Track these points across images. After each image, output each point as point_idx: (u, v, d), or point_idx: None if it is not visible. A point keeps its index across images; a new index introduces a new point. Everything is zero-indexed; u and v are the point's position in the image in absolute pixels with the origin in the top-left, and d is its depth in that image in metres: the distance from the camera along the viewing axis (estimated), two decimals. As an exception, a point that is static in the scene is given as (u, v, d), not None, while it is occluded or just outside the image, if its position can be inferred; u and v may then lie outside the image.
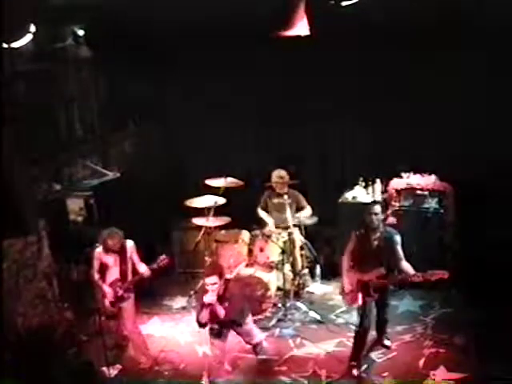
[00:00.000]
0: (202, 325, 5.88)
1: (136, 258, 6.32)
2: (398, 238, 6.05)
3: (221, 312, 5.78)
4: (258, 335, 6.35)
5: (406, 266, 5.97)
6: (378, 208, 6.05)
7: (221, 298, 5.79)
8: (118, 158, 8.49)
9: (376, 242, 6.02)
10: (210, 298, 5.72)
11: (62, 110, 7.75)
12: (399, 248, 6.02)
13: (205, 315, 5.79)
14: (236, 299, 5.90)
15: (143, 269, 6.26)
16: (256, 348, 6.37)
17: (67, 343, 6.73)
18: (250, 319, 6.21)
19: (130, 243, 6.32)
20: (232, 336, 6.17)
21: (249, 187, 7.79)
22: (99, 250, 6.26)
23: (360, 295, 6.01)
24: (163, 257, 6.25)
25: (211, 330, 5.96)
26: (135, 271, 6.31)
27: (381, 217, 6.07)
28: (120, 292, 6.22)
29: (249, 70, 8.08)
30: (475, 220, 7.50)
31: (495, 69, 7.38)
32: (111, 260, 6.25)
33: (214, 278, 5.73)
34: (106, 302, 6.27)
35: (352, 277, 6.08)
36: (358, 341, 6.18)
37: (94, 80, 8.13)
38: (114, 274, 6.28)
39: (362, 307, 6.06)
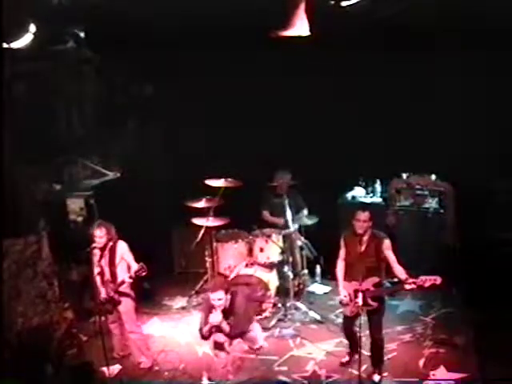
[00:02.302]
0: (204, 338, 5.85)
1: (130, 258, 6.23)
2: (387, 242, 5.90)
3: (226, 329, 5.74)
4: (261, 340, 6.34)
5: (399, 270, 5.82)
6: (366, 215, 5.87)
7: (226, 313, 5.73)
8: (118, 158, 8.49)
9: (364, 248, 5.89)
10: (216, 318, 5.66)
11: (62, 109, 7.75)
12: (390, 252, 5.88)
13: (208, 330, 5.76)
14: (242, 313, 5.83)
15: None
16: (257, 351, 6.42)
17: (67, 343, 6.74)
18: (253, 325, 6.20)
19: (121, 243, 6.26)
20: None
21: (249, 187, 7.78)
22: (95, 246, 6.15)
23: (353, 303, 5.89)
24: (139, 266, 6.00)
25: (215, 343, 5.92)
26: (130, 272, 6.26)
27: (369, 224, 5.88)
28: (111, 293, 6.18)
29: (249, 70, 8.07)
30: (475, 220, 7.50)
31: (495, 69, 7.39)
32: (102, 258, 6.20)
33: (220, 294, 5.67)
34: (101, 299, 6.23)
35: (347, 286, 5.97)
36: (347, 338, 6.27)
37: (94, 80, 8.12)
38: (106, 273, 6.25)
39: (352, 315, 5.98)
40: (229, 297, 5.76)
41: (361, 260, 5.88)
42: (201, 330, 5.84)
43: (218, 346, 5.93)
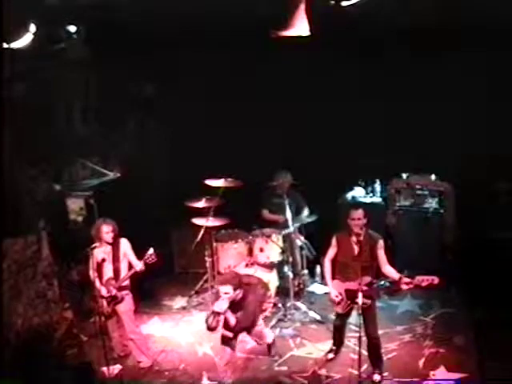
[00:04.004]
0: (210, 329, 5.84)
1: (132, 255, 6.26)
2: (381, 242, 5.95)
3: (232, 320, 5.74)
4: (269, 336, 6.41)
5: (390, 270, 5.88)
6: (360, 213, 5.90)
7: (235, 307, 5.73)
8: (118, 158, 8.49)
9: (358, 248, 5.90)
10: (220, 306, 5.64)
11: (62, 110, 7.75)
12: (382, 253, 5.93)
13: (213, 321, 5.73)
14: (250, 307, 5.84)
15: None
16: (270, 349, 6.46)
17: (67, 343, 6.73)
18: (261, 321, 6.25)
19: (123, 240, 6.28)
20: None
21: (249, 187, 7.78)
22: (95, 247, 6.11)
23: (345, 302, 5.98)
24: (150, 253, 6.11)
25: (223, 337, 5.92)
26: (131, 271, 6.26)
27: (364, 221, 5.91)
28: (113, 291, 6.19)
29: (249, 70, 8.08)
30: (475, 220, 7.50)
31: (495, 69, 7.40)
32: (105, 256, 6.21)
33: (227, 288, 5.67)
34: (102, 301, 6.23)
35: (338, 285, 6.02)
36: (334, 334, 6.34)
37: (94, 80, 8.12)
38: (108, 272, 6.26)
39: (345, 313, 6.08)
40: (238, 292, 5.74)
41: (355, 260, 5.89)
42: (207, 320, 5.81)
43: (226, 341, 5.92)
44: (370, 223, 6.00)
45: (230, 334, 5.88)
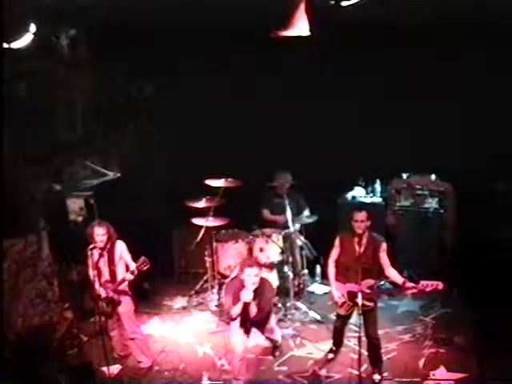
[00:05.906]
0: (232, 319, 5.80)
1: (128, 258, 6.22)
2: (384, 245, 5.92)
3: (253, 310, 5.71)
4: (278, 332, 6.45)
5: (393, 273, 5.88)
6: (363, 215, 5.86)
7: (256, 293, 5.69)
8: (117, 158, 8.49)
9: (361, 249, 5.87)
10: (248, 296, 5.60)
11: (62, 109, 7.75)
12: (385, 255, 5.90)
13: (238, 310, 5.70)
14: (266, 297, 5.82)
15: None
16: (274, 350, 6.53)
17: (67, 343, 6.73)
18: (273, 317, 6.29)
19: (119, 243, 6.25)
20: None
21: (249, 187, 7.78)
22: (94, 247, 6.06)
23: (347, 304, 5.96)
24: (142, 260, 5.99)
25: (240, 324, 5.86)
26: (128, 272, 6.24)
27: (367, 223, 5.88)
28: (110, 293, 6.17)
29: (249, 70, 8.07)
30: (475, 220, 7.50)
31: (495, 69, 7.39)
32: (101, 259, 6.19)
33: (255, 270, 5.63)
34: (101, 299, 6.22)
35: (341, 287, 6.00)
36: (334, 335, 6.29)
37: (93, 80, 8.12)
38: (105, 274, 6.24)
39: (346, 314, 6.06)
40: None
41: (357, 261, 5.86)
42: (229, 312, 5.78)
43: (243, 330, 5.86)
44: (370, 224, 6.00)
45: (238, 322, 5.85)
